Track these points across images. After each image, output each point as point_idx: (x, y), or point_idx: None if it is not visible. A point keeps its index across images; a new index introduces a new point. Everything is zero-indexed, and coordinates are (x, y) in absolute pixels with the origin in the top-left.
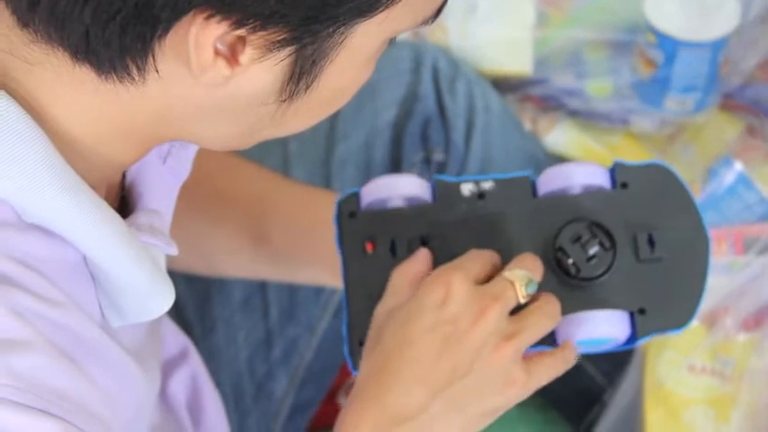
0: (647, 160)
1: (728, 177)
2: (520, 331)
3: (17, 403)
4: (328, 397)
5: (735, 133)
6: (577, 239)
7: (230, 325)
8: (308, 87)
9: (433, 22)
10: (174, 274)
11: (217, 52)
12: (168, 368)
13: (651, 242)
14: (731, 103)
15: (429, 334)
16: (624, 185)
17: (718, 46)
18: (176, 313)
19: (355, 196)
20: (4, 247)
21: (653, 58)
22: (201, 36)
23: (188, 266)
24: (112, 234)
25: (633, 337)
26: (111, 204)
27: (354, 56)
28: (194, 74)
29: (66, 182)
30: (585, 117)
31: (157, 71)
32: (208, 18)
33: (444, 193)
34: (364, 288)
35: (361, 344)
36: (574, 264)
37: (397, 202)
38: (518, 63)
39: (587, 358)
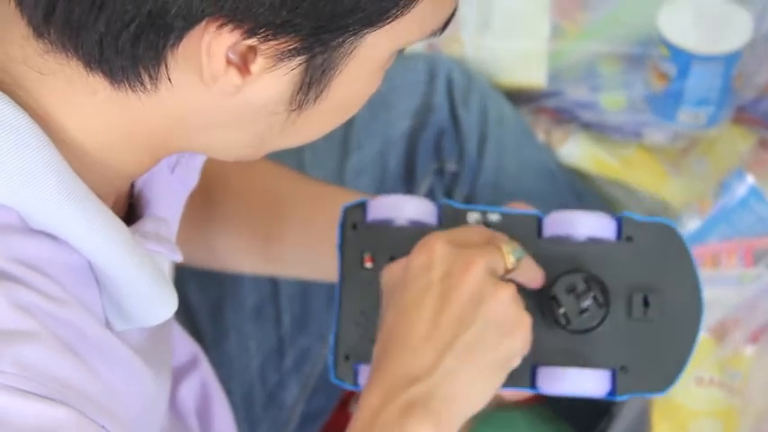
0: (655, 217)
1: (740, 190)
2: (513, 277)
3: (21, 390)
4: (340, 406)
5: (747, 146)
6: (572, 290)
7: (242, 333)
8: (317, 97)
9: (441, 33)
10: (186, 282)
11: (228, 61)
12: (178, 375)
13: (646, 302)
14: (744, 116)
15: (424, 295)
16: (629, 239)
17: (731, 59)
18: (188, 321)
19: (362, 207)
20: (9, 249)
21: (666, 71)
22: (214, 45)
23: (200, 261)
24: (117, 242)
25: (612, 394)
26: (118, 211)
27: (363, 66)
28: (206, 83)
29: (73, 191)
30: (599, 129)
31: (170, 80)
32: (220, 27)
33: (450, 218)
34: (356, 301)
35: (347, 358)
36: (564, 314)
37: (401, 223)
38: (532, 75)
39: None
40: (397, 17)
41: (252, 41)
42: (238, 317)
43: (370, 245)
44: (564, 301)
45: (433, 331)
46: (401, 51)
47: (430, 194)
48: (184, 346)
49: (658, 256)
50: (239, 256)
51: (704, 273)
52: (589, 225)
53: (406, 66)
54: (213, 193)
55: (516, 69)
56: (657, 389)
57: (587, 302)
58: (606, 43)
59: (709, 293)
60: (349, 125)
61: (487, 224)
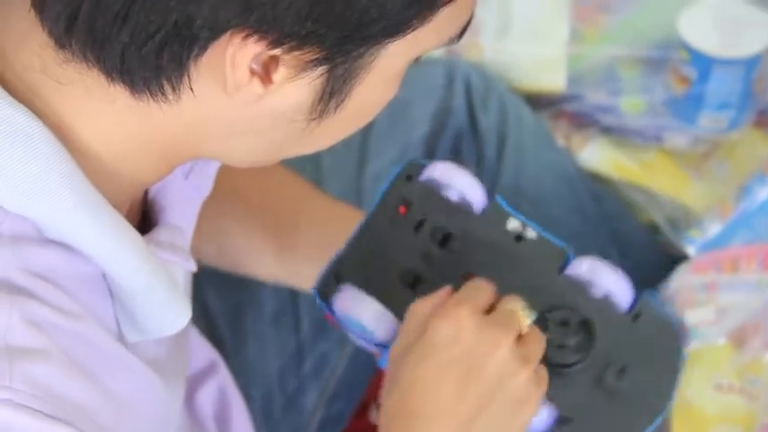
0: (672, 314)
1: (762, 194)
2: (530, 351)
3: (31, 408)
4: (359, 411)
5: None
6: (564, 324)
7: (261, 339)
8: (337, 106)
9: (458, 41)
10: (206, 289)
11: (251, 71)
12: (196, 381)
13: (622, 373)
14: (765, 120)
15: (447, 370)
16: (636, 317)
17: (752, 63)
18: (208, 327)
19: (422, 167)
20: (24, 261)
21: (686, 74)
22: (238, 56)
23: (215, 262)
24: (130, 252)
25: None
26: (132, 219)
27: (383, 75)
28: (228, 92)
29: (87, 200)
30: (619, 134)
31: (192, 89)
32: (245, 38)
33: (492, 213)
34: (374, 239)
35: (338, 279)
36: (546, 340)
37: (450, 193)
38: (552, 79)
39: None
40: (417, 27)
41: (275, 51)
42: (258, 323)
43: (411, 199)
44: (551, 329)
45: (455, 408)
46: (418, 58)
47: None
48: (202, 352)
49: (654, 347)
50: (250, 260)
51: (723, 278)
52: (611, 284)
53: (425, 71)
54: (228, 196)
55: (535, 74)
56: None
57: (571, 341)
58: (626, 47)
59: (727, 299)
60: (368, 131)
61: (521, 236)
